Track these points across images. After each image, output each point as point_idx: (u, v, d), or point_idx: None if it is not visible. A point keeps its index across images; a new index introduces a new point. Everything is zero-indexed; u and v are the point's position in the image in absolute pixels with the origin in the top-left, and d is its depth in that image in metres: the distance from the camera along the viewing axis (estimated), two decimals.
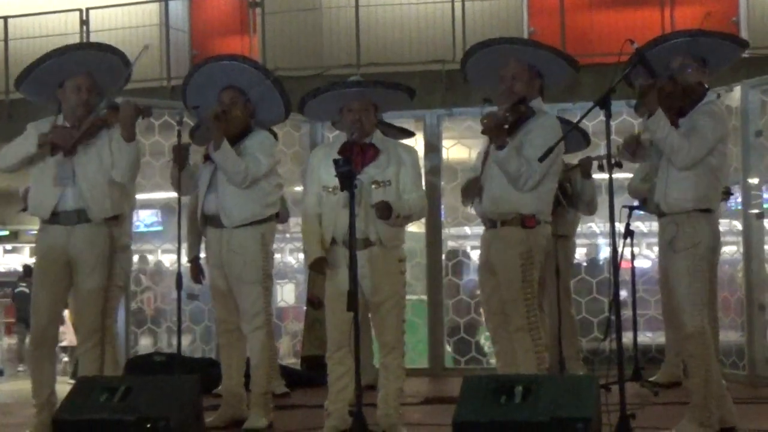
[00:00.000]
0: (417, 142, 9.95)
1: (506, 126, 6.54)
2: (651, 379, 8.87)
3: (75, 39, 16.77)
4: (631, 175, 8.75)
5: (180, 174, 6.98)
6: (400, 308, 6.73)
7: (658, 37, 6.56)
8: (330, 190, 6.59)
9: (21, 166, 6.83)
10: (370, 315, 6.78)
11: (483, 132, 6.63)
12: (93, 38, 17.16)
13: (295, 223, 10.39)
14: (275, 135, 9.29)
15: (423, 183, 6.98)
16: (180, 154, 7.01)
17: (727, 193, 8.68)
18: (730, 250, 10.03)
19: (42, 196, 6.77)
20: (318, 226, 6.70)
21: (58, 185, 6.70)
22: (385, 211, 6.45)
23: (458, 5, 15.81)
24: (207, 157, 7.17)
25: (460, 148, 10.85)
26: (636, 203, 8.33)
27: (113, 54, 6.97)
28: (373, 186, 6.58)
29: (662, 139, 6.23)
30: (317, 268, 6.72)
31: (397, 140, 7.34)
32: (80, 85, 6.79)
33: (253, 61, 7.56)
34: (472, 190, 6.86)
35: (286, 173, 9.19)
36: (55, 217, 6.73)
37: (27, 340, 14.89)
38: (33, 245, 7.34)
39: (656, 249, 6.97)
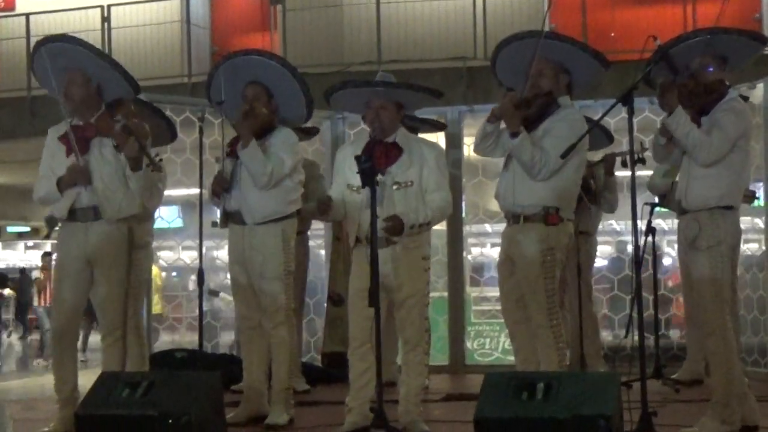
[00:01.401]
0: (438, 139, 9.95)
1: (523, 111, 6.48)
2: (672, 376, 8.85)
3: (96, 36, 16.85)
4: (652, 173, 8.74)
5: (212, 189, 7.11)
6: (423, 305, 6.74)
7: (680, 36, 6.54)
8: (354, 189, 6.58)
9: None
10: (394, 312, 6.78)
11: (500, 112, 6.54)
12: (114, 35, 17.26)
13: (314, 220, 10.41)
14: (316, 130, 9.33)
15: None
16: (222, 185, 7.09)
17: (751, 196, 8.63)
18: (753, 247, 10.00)
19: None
20: (338, 197, 6.66)
21: (74, 186, 6.72)
22: (396, 227, 6.43)
23: (479, 2, 15.80)
24: (230, 153, 7.17)
25: None
26: (656, 200, 8.32)
27: (84, 47, 6.88)
28: (395, 187, 6.57)
29: (684, 136, 6.21)
30: (323, 206, 6.58)
31: (422, 137, 7.31)
32: (73, 79, 6.81)
33: (279, 57, 7.55)
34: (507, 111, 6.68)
35: None
36: (72, 215, 6.75)
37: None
38: (54, 241, 7.36)
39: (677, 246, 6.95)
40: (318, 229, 11.26)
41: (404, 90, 6.84)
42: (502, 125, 6.61)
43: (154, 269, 14.09)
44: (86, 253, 6.73)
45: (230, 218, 7.21)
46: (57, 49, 6.86)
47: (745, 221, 8.20)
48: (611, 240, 13.67)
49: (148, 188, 6.91)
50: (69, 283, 6.79)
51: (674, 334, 11.05)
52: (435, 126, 9.38)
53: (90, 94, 6.82)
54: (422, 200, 6.60)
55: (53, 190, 6.75)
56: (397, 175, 6.60)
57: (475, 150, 6.94)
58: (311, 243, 11.00)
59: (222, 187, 7.13)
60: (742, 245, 6.77)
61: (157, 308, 13.77)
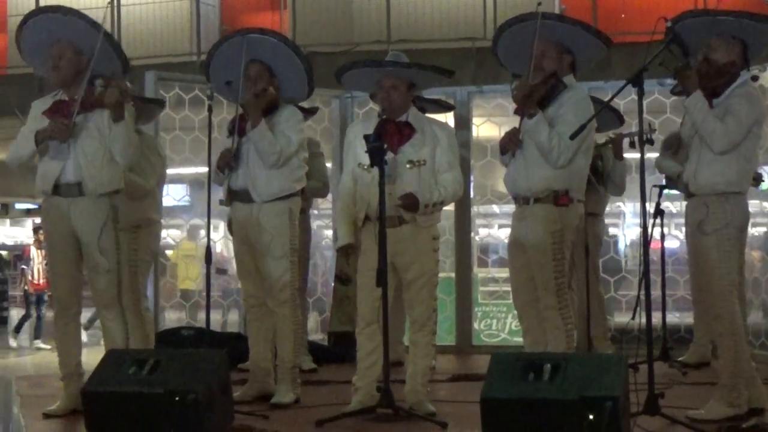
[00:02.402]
0: (447, 119, 9.94)
1: (535, 96, 6.52)
2: (679, 359, 8.85)
3: (105, 13, 16.79)
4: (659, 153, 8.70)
5: (216, 161, 7.06)
6: (432, 285, 6.75)
7: (687, 12, 6.49)
8: (365, 167, 6.59)
9: (30, 161, 6.85)
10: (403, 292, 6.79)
11: (514, 100, 6.61)
12: (123, 13, 17.22)
13: (324, 200, 10.41)
14: (316, 110, 9.30)
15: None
16: (228, 161, 7.06)
17: (758, 180, 8.61)
18: (761, 231, 9.97)
19: (44, 170, 6.78)
20: (352, 207, 6.72)
21: (54, 159, 6.72)
22: (411, 205, 6.46)
23: None
24: (232, 131, 7.17)
25: (490, 126, 10.83)
26: (663, 180, 8.30)
27: (80, 18, 6.85)
28: (408, 166, 6.60)
29: (700, 122, 6.18)
30: (344, 253, 6.81)
31: (433, 117, 7.31)
32: (61, 53, 6.79)
33: (278, 34, 7.53)
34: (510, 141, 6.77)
35: None
36: (56, 189, 6.75)
37: None
38: None
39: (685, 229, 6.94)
40: (325, 208, 11.28)
41: (415, 70, 6.84)
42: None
43: (192, 245, 14.07)
44: (71, 228, 6.74)
45: (235, 196, 7.21)
46: (47, 21, 6.85)
47: (753, 204, 8.20)
48: (618, 222, 13.66)
49: (131, 139, 6.86)
50: (60, 258, 6.82)
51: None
52: (443, 107, 9.36)
53: (80, 69, 6.80)
54: (435, 179, 6.62)
55: (30, 143, 6.72)
56: (411, 153, 6.62)
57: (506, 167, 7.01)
58: (319, 222, 11.00)
59: (227, 163, 7.12)
60: (750, 228, 6.76)
61: (186, 284, 13.63)
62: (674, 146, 6.79)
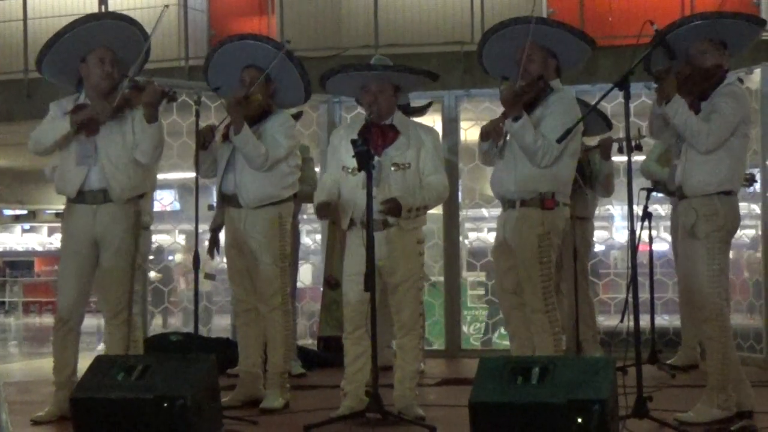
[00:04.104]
0: (435, 123, 9.94)
1: (523, 98, 6.51)
2: (668, 361, 8.87)
3: None
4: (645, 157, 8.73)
5: (199, 156, 7.00)
6: (418, 289, 6.75)
7: (677, 21, 6.51)
8: (350, 171, 6.58)
9: (55, 148, 6.79)
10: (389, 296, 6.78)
11: (502, 102, 6.58)
12: None
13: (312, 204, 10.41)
14: (301, 114, 9.27)
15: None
16: (199, 138, 7.01)
17: (750, 180, 8.63)
18: (749, 233, 9.99)
19: (68, 176, 6.75)
20: (333, 190, 6.68)
21: (80, 164, 6.70)
22: (394, 209, 6.45)
23: None
24: (225, 137, 7.16)
25: (478, 130, 10.80)
26: (650, 184, 8.32)
27: (131, 25, 6.90)
28: (393, 168, 6.59)
29: (682, 124, 6.18)
30: (321, 212, 6.67)
31: (418, 120, 7.31)
32: (103, 58, 6.73)
33: (274, 41, 7.53)
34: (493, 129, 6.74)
35: None
36: (80, 196, 6.72)
37: None
38: (51, 224, 7.35)
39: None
40: (314, 213, 11.27)
41: (401, 73, 6.84)
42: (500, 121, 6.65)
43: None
44: (93, 235, 6.71)
45: (226, 201, 7.21)
46: (91, 30, 6.81)
47: (741, 206, 8.20)
48: (607, 225, 13.70)
49: (162, 141, 6.84)
50: (74, 266, 6.78)
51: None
52: (420, 111, 9.30)
53: (116, 75, 6.78)
54: (419, 183, 6.61)
55: (64, 125, 6.63)
56: (395, 156, 6.61)
57: (483, 163, 6.99)
58: (308, 227, 11.01)
59: (205, 139, 7.07)
60: (738, 231, 6.76)
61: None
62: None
